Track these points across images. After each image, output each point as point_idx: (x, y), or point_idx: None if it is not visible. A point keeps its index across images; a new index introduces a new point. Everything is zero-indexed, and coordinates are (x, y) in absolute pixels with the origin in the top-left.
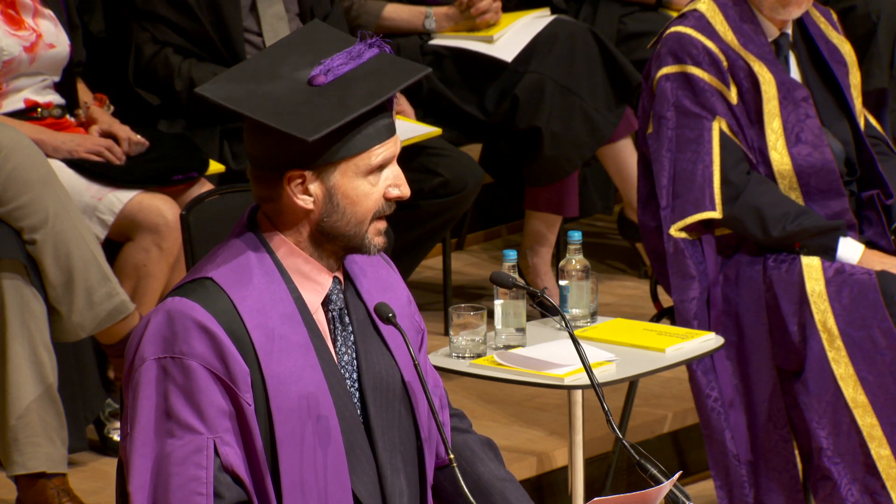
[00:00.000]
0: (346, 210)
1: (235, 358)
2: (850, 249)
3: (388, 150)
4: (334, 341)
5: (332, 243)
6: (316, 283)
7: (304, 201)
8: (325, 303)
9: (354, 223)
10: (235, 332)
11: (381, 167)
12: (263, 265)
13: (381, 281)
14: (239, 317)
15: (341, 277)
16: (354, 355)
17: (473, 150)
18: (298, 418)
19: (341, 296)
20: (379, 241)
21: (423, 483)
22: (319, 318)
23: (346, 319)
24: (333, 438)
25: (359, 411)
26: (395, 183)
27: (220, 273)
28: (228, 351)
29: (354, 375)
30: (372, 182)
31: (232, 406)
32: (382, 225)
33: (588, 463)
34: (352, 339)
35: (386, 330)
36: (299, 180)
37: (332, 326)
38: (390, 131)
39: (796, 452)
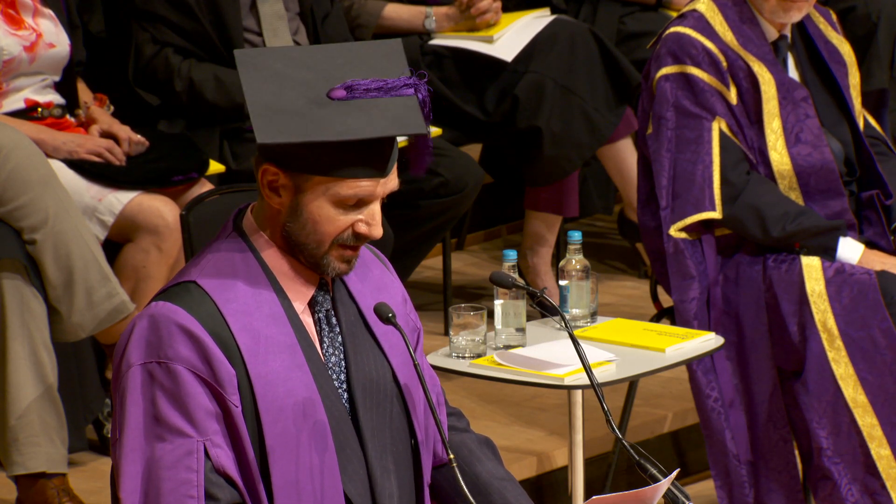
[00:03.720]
0: (306, 224)
1: (220, 360)
2: (850, 249)
3: (364, 189)
4: (321, 343)
5: (299, 253)
6: (301, 285)
7: (271, 198)
8: (311, 304)
9: (314, 240)
10: (220, 335)
11: (354, 202)
12: (248, 267)
13: (373, 281)
14: (223, 319)
15: (328, 279)
16: (342, 356)
17: (473, 150)
18: (287, 418)
19: (328, 297)
20: (341, 266)
21: (419, 484)
22: (306, 318)
23: (333, 321)
24: (325, 439)
25: (348, 412)
26: (367, 220)
27: (204, 276)
28: (213, 353)
29: (342, 377)
30: (340, 212)
31: (219, 408)
32: (348, 253)
33: (588, 463)
34: (339, 340)
35: (379, 330)
36: (273, 177)
37: (318, 328)
38: (377, 173)
39: (796, 452)
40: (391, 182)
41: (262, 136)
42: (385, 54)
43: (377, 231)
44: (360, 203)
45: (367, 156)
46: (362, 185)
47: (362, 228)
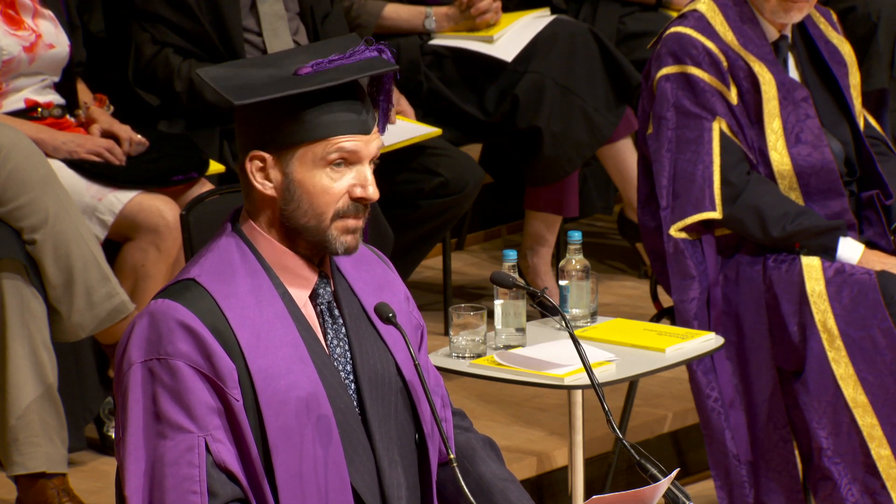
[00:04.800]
0: (302, 201)
1: (220, 355)
2: (850, 249)
3: (352, 143)
4: (325, 335)
5: (301, 238)
6: (301, 278)
7: (264, 186)
8: (313, 297)
9: (313, 216)
10: (220, 331)
11: (344, 162)
12: (247, 262)
13: (375, 278)
14: (223, 315)
15: (328, 272)
16: (347, 348)
17: (473, 150)
18: (291, 412)
19: (328, 289)
20: (347, 239)
21: (427, 479)
22: (308, 311)
23: (336, 313)
24: (329, 430)
25: (355, 403)
26: (360, 183)
27: (203, 273)
28: (213, 348)
29: (349, 367)
30: (332, 177)
31: (220, 403)
32: (352, 223)
33: (588, 463)
34: (343, 331)
35: (383, 325)
36: (260, 163)
37: (321, 320)
38: (362, 127)
39: (796, 452)
40: (375, 141)
41: (238, 98)
42: (345, 44)
43: (373, 192)
44: (348, 163)
45: (344, 112)
46: (346, 141)
47: (357, 192)
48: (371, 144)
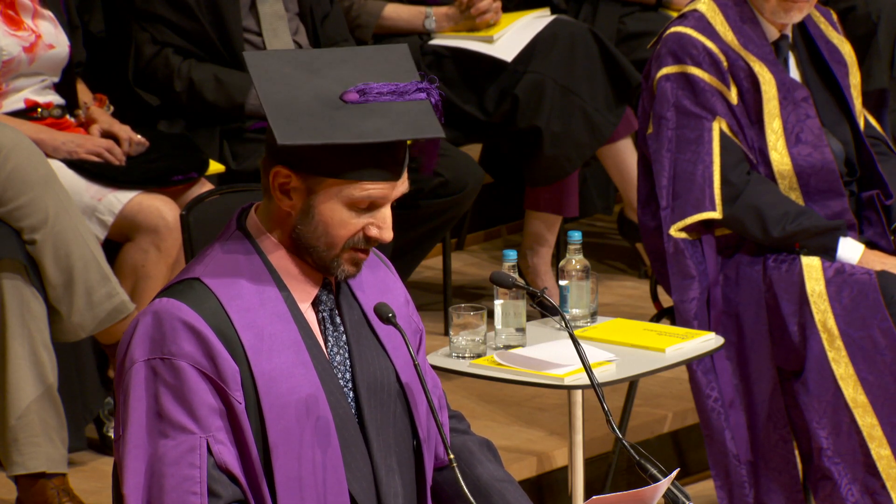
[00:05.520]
0: (318, 227)
1: (224, 356)
2: (850, 249)
3: (377, 191)
4: (325, 342)
5: (308, 255)
6: (305, 284)
7: (282, 201)
8: (316, 303)
9: (325, 243)
10: (224, 332)
11: (366, 204)
12: (252, 265)
13: (377, 282)
14: (227, 316)
15: (331, 278)
16: (347, 355)
17: (473, 150)
18: (290, 415)
19: (331, 297)
20: (349, 269)
21: (422, 484)
22: (310, 317)
23: (338, 320)
24: (328, 433)
25: (353, 411)
26: (378, 224)
27: (208, 273)
28: (217, 350)
29: (348, 375)
30: (352, 215)
31: (223, 404)
32: (360, 256)
33: (588, 463)
34: (344, 339)
35: (382, 331)
36: (285, 179)
37: (322, 327)
38: (391, 176)
39: (796, 452)
40: (402, 185)
41: (283, 138)
42: (393, 59)
43: (388, 234)
44: (371, 206)
45: (381, 159)
46: (376, 188)
47: (373, 232)
48: (398, 188)
